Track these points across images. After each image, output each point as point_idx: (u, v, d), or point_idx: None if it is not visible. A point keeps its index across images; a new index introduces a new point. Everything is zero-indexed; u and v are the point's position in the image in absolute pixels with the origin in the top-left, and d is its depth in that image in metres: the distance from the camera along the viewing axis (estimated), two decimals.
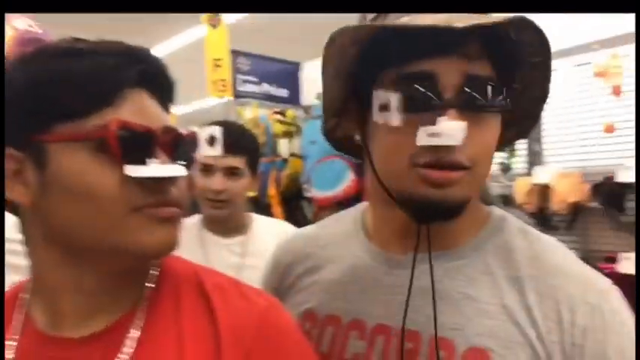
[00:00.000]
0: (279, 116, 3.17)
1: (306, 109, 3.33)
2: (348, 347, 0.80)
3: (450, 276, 0.77)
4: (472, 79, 0.68)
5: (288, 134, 3.12)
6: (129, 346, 0.67)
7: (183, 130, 0.68)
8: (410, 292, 0.76)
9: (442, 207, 0.71)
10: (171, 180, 0.64)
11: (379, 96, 0.70)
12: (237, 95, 3.59)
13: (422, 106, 0.68)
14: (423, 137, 0.67)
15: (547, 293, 0.73)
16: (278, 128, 3.13)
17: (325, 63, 0.76)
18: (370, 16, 0.75)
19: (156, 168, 0.63)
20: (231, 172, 1.65)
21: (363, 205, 0.92)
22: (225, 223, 1.70)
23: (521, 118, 0.80)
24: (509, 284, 0.75)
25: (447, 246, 0.78)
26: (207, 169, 1.65)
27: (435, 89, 0.68)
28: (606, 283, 0.75)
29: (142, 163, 0.62)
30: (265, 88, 3.76)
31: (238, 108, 3.46)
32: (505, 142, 0.81)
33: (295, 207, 3.15)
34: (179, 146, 0.67)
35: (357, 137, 0.80)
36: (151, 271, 0.73)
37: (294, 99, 3.85)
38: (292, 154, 3.07)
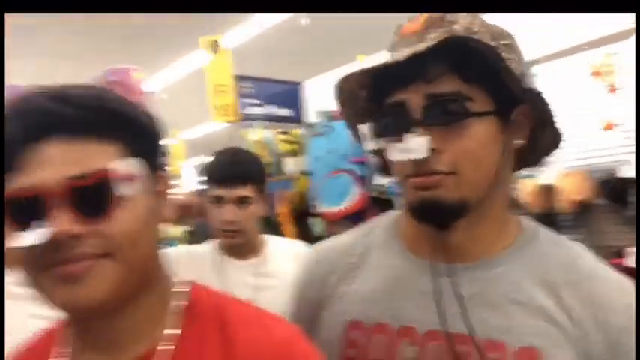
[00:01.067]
0: (284, 136, 3.22)
1: (309, 126, 3.39)
2: (399, 353, 0.84)
3: (493, 283, 0.83)
4: (433, 97, 0.78)
5: (293, 153, 3.17)
6: None
7: (112, 170, 0.66)
8: (440, 296, 0.83)
9: (435, 207, 0.79)
10: (73, 235, 0.63)
11: (361, 128, 0.86)
12: (243, 118, 3.66)
13: (394, 130, 0.80)
14: (395, 153, 0.80)
15: (585, 297, 0.79)
16: (284, 147, 3.18)
17: (343, 105, 0.91)
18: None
19: (30, 235, 0.62)
20: (241, 202, 1.69)
21: (393, 215, 0.97)
22: (240, 247, 1.75)
23: (537, 154, 0.90)
24: (549, 289, 0.81)
25: (483, 255, 0.85)
26: (218, 200, 1.69)
27: (405, 113, 0.79)
28: (632, 283, 0.82)
29: (27, 228, 0.63)
30: (269, 109, 3.83)
31: (242, 131, 3.52)
32: (525, 166, 0.92)
33: (307, 224, 3.19)
34: (79, 197, 0.64)
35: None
36: (173, 305, 0.75)
37: (297, 117, 3.92)
38: (300, 172, 3.12)
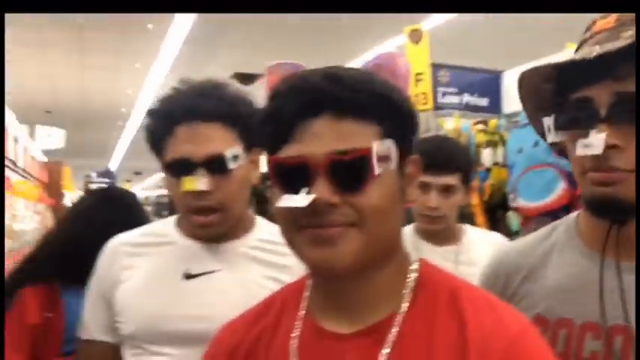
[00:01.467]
0: (481, 126, 3.17)
1: (509, 117, 3.28)
2: (585, 347, 0.87)
3: None
4: (621, 95, 0.80)
5: (491, 144, 3.11)
6: (389, 345, 0.74)
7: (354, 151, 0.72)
8: (602, 292, 0.86)
9: (612, 202, 0.82)
10: (331, 204, 0.70)
11: (545, 121, 0.91)
12: (438, 107, 3.67)
13: (579, 125, 0.84)
14: (577, 148, 0.83)
15: None
16: (481, 138, 3.13)
17: (523, 100, 0.95)
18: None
19: (293, 198, 0.71)
20: (446, 189, 1.71)
21: (574, 215, 0.99)
22: (438, 233, 1.79)
23: None
24: None
25: None
26: (424, 185, 1.71)
27: (591, 109, 0.82)
28: None
29: (291, 191, 0.72)
30: (466, 98, 3.79)
31: (439, 119, 3.53)
32: None
33: (499, 217, 3.11)
34: (340, 170, 0.71)
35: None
36: (408, 280, 0.79)
37: (495, 108, 3.82)
38: (495, 164, 3.04)
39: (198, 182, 1.16)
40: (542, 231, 1.03)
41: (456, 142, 1.97)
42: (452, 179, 1.71)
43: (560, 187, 2.51)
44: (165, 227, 1.34)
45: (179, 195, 1.21)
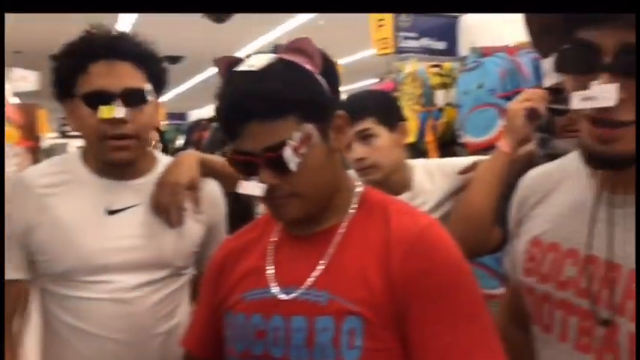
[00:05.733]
0: (436, 69, 3.45)
1: (462, 60, 3.55)
2: (564, 271, 0.92)
3: None
4: (629, 46, 0.74)
5: (444, 85, 3.39)
6: (335, 242, 1.02)
7: None
8: (592, 222, 0.87)
9: (613, 160, 0.81)
10: (273, 185, 0.98)
11: (544, 63, 0.93)
12: (399, 51, 3.92)
13: (579, 70, 0.80)
14: (578, 101, 0.78)
15: None
16: (435, 80, 3.41)
17: (533, 40, 0.93)
18: None
19: (249, 186, 1.00)
20: (364, 137, 1.69)
21: None
22: (383, 184, 1.64)
23: None
24: None
25: None
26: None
27: (595, 55, 0.77)
28: None
29: (247, 177, 1.01)
30: (425, 42, 4.03)
31: (398, 63, 3.79)
32: None
33: (450, 152, 3.45)
34: (273, 162, 0.97)
35: None
36: (355, 198, 1.07)
37: (451, 51, 4.08)
38: (448, 104, 3.35)
39: (117, 110, 1.28)
40: (564, 158, 1.05)
41: (365, 91, 1.98)
42: (365, 124, 1.69)
43: (499, 125, 2.84)
44: (69, 164, 1.44)
45: (93, 125, 1.31)
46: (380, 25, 3.80)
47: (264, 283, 1.04)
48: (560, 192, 0.99)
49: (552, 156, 1.46)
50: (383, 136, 1.72)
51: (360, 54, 9.12)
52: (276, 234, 1.11)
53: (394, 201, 1.09)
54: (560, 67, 0.84)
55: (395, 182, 1.73)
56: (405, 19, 4.00)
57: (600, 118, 0.78)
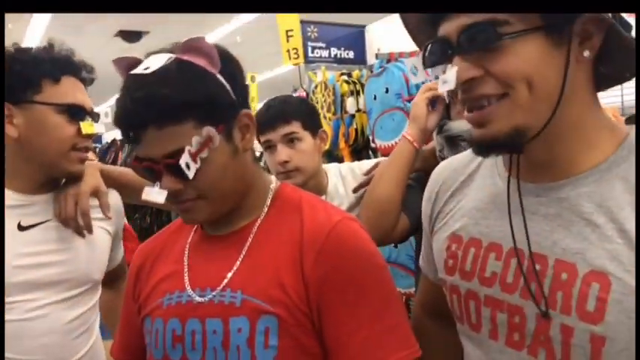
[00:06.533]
0: (345, 77, 3.51)
1: (370, 67, 3.65)
2: (487, 267, 0.89)
3: (574, 203, 0.80)
4: (466, 27, 0.78)
5: (354, 92, 3.46)
6: (249, 241, 1.00)
7: None
8: (523, 216, 0.84)
9: (492, 142, 0.80)
10: (176, 190, 0.96)
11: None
12: (308, 61, 3.98)
13: (438, 63, 0.84)
14: (440, 86, 0.81)
15: None
16: (345, 88, 3.47)
17: (406, 20, 0.92)
18: None
19: (153, 193, 0.96)
20: (290, 140, 1.71)
21: None
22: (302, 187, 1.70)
23: (617, 69, 0.83)
24: (631, 208, 0.76)
25: (571, 173, 0.82)
26: (269, 146, 1.73)
27: (444, 45, 0.82)
28: None
29: (152, 182, 0.99)
30: (334, 52, 4.12)
31: (309, 73, 3.84)
32: (607, 85, 0.86)
33: (364, 157, 3.52)
34: (173, 168, 0.94)
35: None
36: (269, 195, 1.05)
37: (359, 59, 4.19)
38: (358, 110, 3.41)
39: (96, 127, 1.40)
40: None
41: (289, 96, 2.01)
42: (292, 127, 1.71)
43: (407, 127, 2.93)
44: None
45: (68, 135, 1.36)
46: (290, 35, 3.83)
47: (182, 286, 1.02)
48: (474, 184, 0.97)
49: (450, 138, 1.55)
50: (307, 140, 1.74)
51: (277, 69, 9.18)
52: (192, 235, 1.09)
53: (309, 197, 1.07)
54: (425, 63, 0.87)
55: (312, 187, 1.74)
56: (312, 29, 4.07)
57: (468, 98, 0.80)
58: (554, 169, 0.83)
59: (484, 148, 0.82)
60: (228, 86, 0.96)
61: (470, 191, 0.97)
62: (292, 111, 1.74)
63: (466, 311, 0.92)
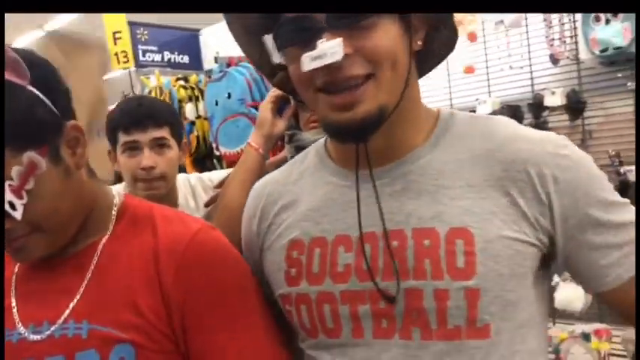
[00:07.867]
0: (182, 82, 3.35)
1: (207, 72, 3.53)
2: (339, 261, 0.85)
3: (418, 175, 0.84)
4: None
5: (192, 98, 3.32)
6: (94, 263, 0.89)
7: None
8: (359, 202, 0.84)
9: (357, 125, 0.78)
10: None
11: (266, 41, 0.83)
12: (140, 65, 3.72)
13: (300, 41, 0.78)
14: (307, 63, 0.75)
15: (511, 158, 0.80)
16: (182, 93, 3.31)
17: (231, 23, 0.90)
18: None
19: None
20: (159, 145, 1.62)
21: (323, 140, 0.98)
22: (162, 200, 1.57)
23: (434, 58, 0.90)
24: (473, 164, 0.82)
25: (405, 154, 0.86)
26: (133, 147, 1.61)
27: (309, 22, 0.77)
28: (559, 137, 0.83)
29: None
30: (167, 56, 3.91)
31: (142, 77, 3.60)
32: (422, 72, 0.92)
33: (209, 166, 3.39)
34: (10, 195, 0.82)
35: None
36: (113, 211, 0.94)
37: (196, 65, 4.03)
38: (198, 117, 3.27)
39: None
40: (297, 158, 1.02)
41: (155, 98, 1.98)
42: (162, 132, 1.62)
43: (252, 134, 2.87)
44: None
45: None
46: (117, 37, 3.54)
47: (11, 324, 0.88)
48: (305, 190, 0.94)
49: (301, 148, 1.52)
50: (174, 148, 1.66)
51: (109, 74, 8.52)
52: (18, 263, 0.95)
53: (160, 208, 0.98)
54: (282, 42, 0.81)
55: (166, 200, 1.64)
56: (142, 31, 3.82)
57: (332, 81, 0.77)
58: (392, 153, 0.86)
59: (353, 131, 0.79)
60: (44, 98, 0.83)
61: (302, 197, 0.94)
62: (165, 115, 1.65)
63: (320, 318, 0.85)
